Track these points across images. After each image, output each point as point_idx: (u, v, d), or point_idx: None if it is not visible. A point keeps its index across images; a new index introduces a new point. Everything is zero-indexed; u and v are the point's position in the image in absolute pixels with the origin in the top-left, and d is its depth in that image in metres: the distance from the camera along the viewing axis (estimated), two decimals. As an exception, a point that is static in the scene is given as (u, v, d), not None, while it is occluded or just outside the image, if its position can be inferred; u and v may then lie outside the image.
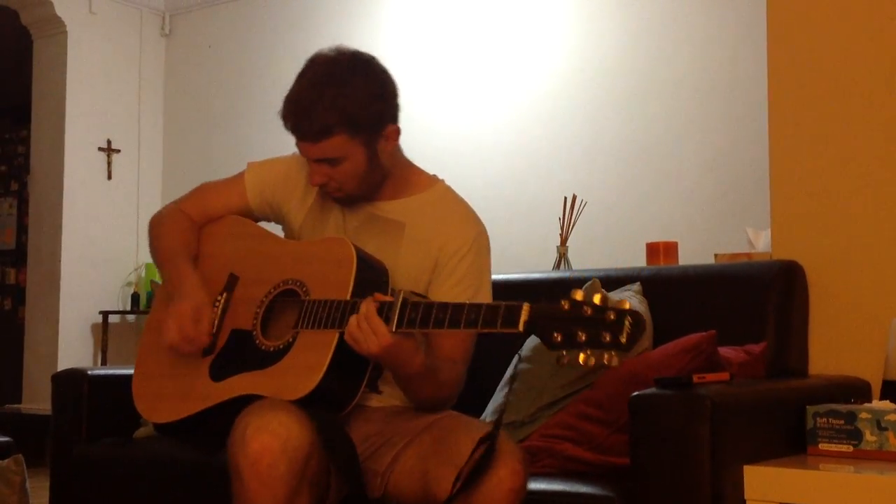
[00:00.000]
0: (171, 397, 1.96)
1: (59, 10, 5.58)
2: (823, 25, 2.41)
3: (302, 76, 1.95)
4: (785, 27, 2.46)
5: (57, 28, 5.64)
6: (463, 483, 1.65)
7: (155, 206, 5.92)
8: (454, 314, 1.66)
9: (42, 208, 5.71)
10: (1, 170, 7.60)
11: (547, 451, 2.04)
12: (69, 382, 2.54)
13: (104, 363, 5.57)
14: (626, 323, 1.52)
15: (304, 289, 1.87)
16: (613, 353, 1.53)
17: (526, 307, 1.60)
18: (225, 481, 1.72)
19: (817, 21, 2.42)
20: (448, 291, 1.91)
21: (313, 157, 1.91)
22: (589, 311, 1.54)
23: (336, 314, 1.77)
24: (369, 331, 1.70)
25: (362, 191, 1.96)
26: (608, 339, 1.52)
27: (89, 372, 2.55)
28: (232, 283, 1.99)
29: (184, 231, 2.09)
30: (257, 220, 2.11)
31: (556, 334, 1.55)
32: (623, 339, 1.52)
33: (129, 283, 5.76)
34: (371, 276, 1.85)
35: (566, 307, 1.56)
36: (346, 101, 1.87)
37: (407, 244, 1.96)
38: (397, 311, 1.69)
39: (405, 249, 1.95)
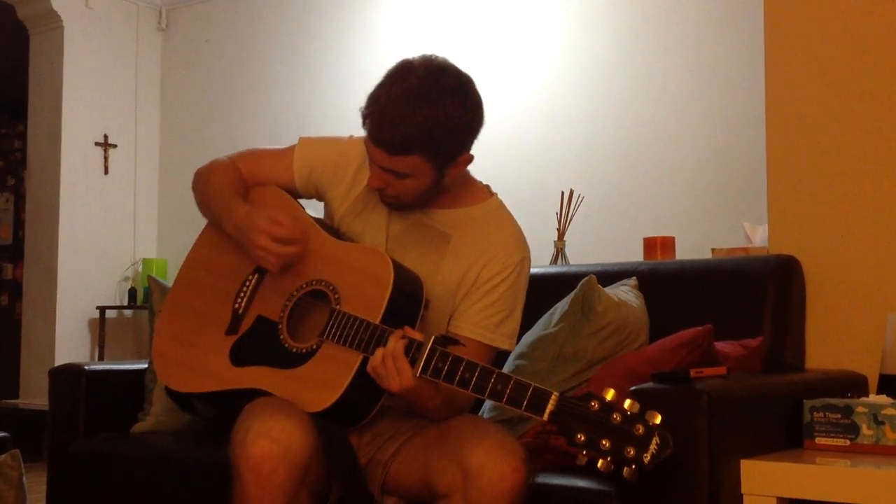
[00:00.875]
0: (188, 367, 1.94)
1: (56, 5, 5.57)
2: (821, 21, 2.41)
3: (396, 81, 1.81)
4: (782, 22, 2.46)
5: (53, 23, 5.62)
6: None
7: (152, 202, 5.95)
8: (481, 379, 1.65)
9: (39, 203, 5.70)
10: (-3, 165, 7.59)
11: (544, 445, 2.04)
12: (66, 378, 2.54)
13: (101, 358, 5.56)
14: (653, 443, 1.52)
15: (337, 295, 1.84)
16: (634, 468, 1.53)
17: (554, 397, 1.59)
18: (221, 477, 1.72)
19: (815, 16, 2.42)
20: (480, 312, 1.89)
21: (382, 166, 1.83)
22: (618, 420, 1.54)
23: (364, 336, 1.75)
24: (393, 370, 1.69)
25: (416, 204, 1.92)
26: (632, 454, 1.52)
27: (86, 367, 2.55)
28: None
29: (236, 180, 2.01)
30: (299, 197, 2.04)
31: (580, 435, 1.56)
32: (646, 460, 1.52)
33: (126, 279, 5.76)
34: (405, 295, 1.82)
35: (595, 407, 1.56)
36: (437, 125, 1.78)
37: (450, 258, 1.92)
38: (424, 357, 1.68)
39: (448, 262, 1.92)
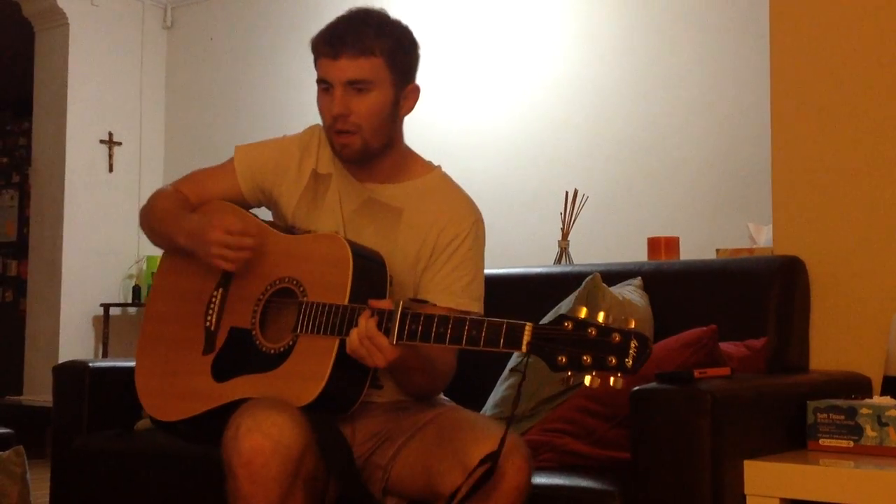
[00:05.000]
0: (175, 396, 1.94)
1: (61, 2, 5.58)
2: (826, 20, 2.40)
3: (341, 17, 1.92)
4: (788, 21, 2.46)
5: (58, 20, 5.63)
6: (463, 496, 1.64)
7: (156, 199, 5.96)
8: (455, 330, 1.65)
9: (43, 200, 5.71)
10: (2, 162, 7.60)
11: (547, 445, 2.04)
12: (70, 374, 2.55)
13: (105, 355, 5.58)
14: (632, 346, 1.52)
15: (301, 289, 1.85)
16: (619, 374, 1.53)
17: (529, 328, 1.59)
18: (223, 473, 1.72)
19: (820, 15, 2.41)
20: (445, 277, 1.91)
21: (345, 77, 1.86)
22: (593, 333, 1.54)
23: (335, 320, 1.75)
24: (373, 347, 1.69)
25: (375, 143, 1.92)
26: (614, 362, 1.52)
27: (90, 364, 2.55)
28: (227, 278, 1.95)
29: (180, 201, 2.03)
30: (249, 206, 2.06)
31: (560, 357, 1.55)
32: (629, 363, 1.52)
33: (130, 276, 5.77)
34: (368, 274, 1.83)
35: (570, 328, 1.56)
36: (393, 31, 1.90)
37: (404, 229, 1.95)
38: (397, 324, 1.68)
39: (403, 234, 1.94)
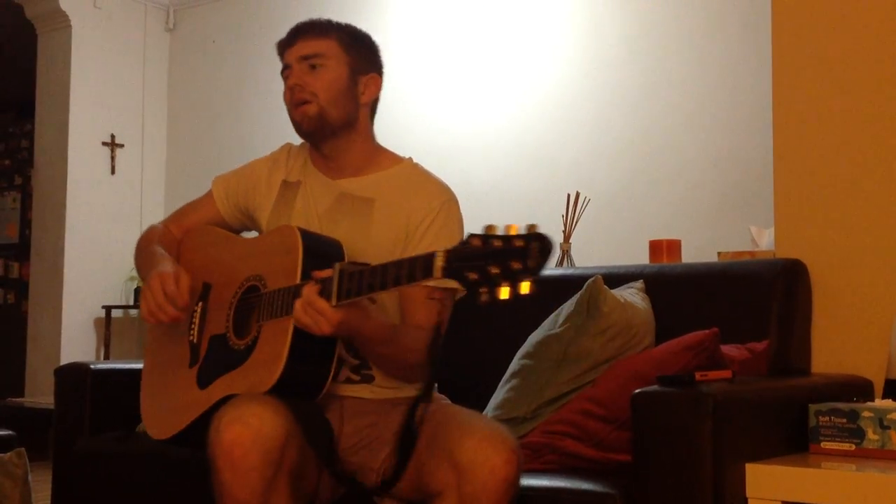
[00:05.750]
0: (168, 412, 2.00)
1: (64, 5, 5.59)
2: (828, 23, 2.40)
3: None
4: (790, 25, 2.46)
5: (61, 22, 5.64)
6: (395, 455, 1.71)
7: (158, 201, 5.96)
8: (383, 275, 1.65)
9: (45, 203, 5.71)
10: (5, 164, 7.61)
11: (549, 447, 2.04)
12: (72, 376, 2.55)
13: (107, 357, 5.58)
14: (534, 247, 1.49)
15: (263, 282, 1.90)
16: (529, 279, 1.49)
17: (441, 253, 1.56)
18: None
19: (823, 19, 2.41)
20: None
21: (300, 53, 2.01)
22: (499, 244, 1.51)
23: (287, 300, 1.78)
24: (315, 313, 1.70)
25: (333, 113, 1.99)
26: (518, 266, 1.48)
27: (92, 366, 2.55)
28: (206, 291, 2.03)
29: (160, 239, 2.13)
30: (231, 229, 2.15)
31: (471, 274, 1.52)
32: (531, 263, 1.48)
33: (132, 278, 5.77)
34: (319, 253, 1.85)
35: (478, 243, 1.53)
36: (348, 25, 2.08)
37: (377, 219, 1.98)
38: (335, 286, 1.69)
39: (376, 224, 1.97)
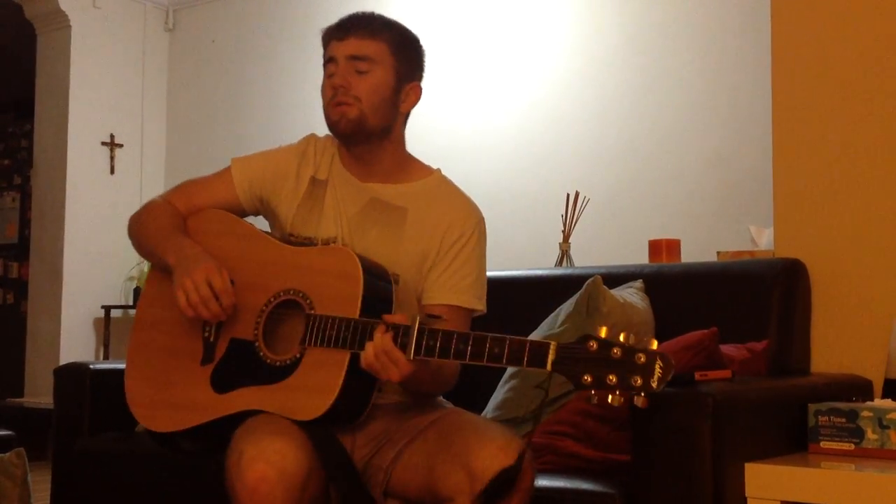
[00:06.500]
0: (170, 406, 1.92)
1: (63, 5, 5.58)
2: (827, 23, 2.40)
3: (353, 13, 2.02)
4: (789, 24, 2.46)
5: (60, 22, 5.64)
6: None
7: (158, 201, 5.96)
8: (476, 347, 1.65)
9: (45, 202, 5.71)
10: (4, 164, 7.60)
11: (548, 447, 2.04)
12: (71, 376, 2.54)
13: (106, 357, 5.58)
14: (657, 367, 1.54)
15: (308, 301, 1.83)
16: (643, 394, 1.54)
17: (553, 347, 1.60)
18: (224, 476, 1.72)
19: (822, 18, 2.41)
20: (450, 277, 1.92)
21: (350, 51, 1.94)
22: (618, 354, 1.55)
23: (346, 334, 1.75)
24: (388, 362, 1.69)
25: (373, 120, 1.94)
26: (639, 382, 1.54)
27: (91, 366, 2.55)
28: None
29: (173, 216, 2.03)
30: (244, 214, 2.06)
31: (585, 376, 1.57)
32: (654, 385, 1.54)
33: (131, 278, 5.77)
34: (377, 288, 1.83)
35: (594, 348, 1.57)
36: (401, 27, 2.01)
37: (410, 229, 1.96)
38: (414, 340, 1.68)
39: (408, 234, 1.95)
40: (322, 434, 1.76)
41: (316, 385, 1.77)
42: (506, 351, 1.63)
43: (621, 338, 1.57)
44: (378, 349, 1.69)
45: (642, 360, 1.54)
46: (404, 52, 1.98)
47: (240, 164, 2.07)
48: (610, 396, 1.55)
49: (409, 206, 1.97)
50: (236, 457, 1.67)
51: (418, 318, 1.70)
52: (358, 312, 1.77)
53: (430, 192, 2.01)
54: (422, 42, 2.05)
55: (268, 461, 1.64)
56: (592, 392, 1.57)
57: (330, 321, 1.77)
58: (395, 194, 1.99)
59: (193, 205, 2.06)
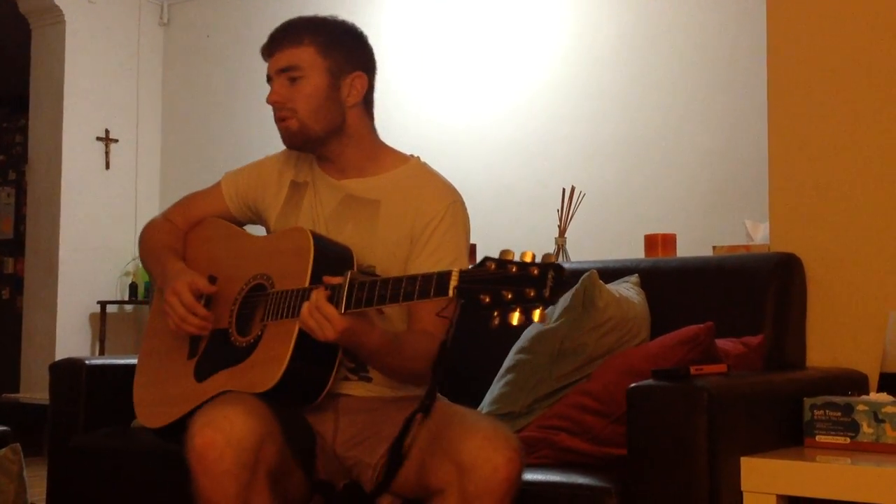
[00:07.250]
0: (162, 402, 2.01)
1: (58, 0, 5.57)
2: (823, 18, 2.40)
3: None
4: (784, 19, 2.46)
5: (55, 17, 5.62)
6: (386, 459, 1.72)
7: (153, 196, 5.95)
8: (394, 288, 1.66)
9: (40, 198, 5.70)
10: (-1, 159, 7.58)
11: (544, 441, 2.05)
12: (67, 372, 2.54)
13: (102, 353, 5.57)
14: (549, 276, 1.50)
15: (270, 282, 1.90)
16: (540, 308, 1.50)
17: (455, 272, 1.58)
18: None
19: (817, 13, 2.41)
20: (426, 260, 1.92)
21: (276, 67, 1.97)
22: (514, 270, 1.52)
23: (294, 303, 1.79)
24: (322, 318, 1.70)
25: (316, 126, 1.96)
26: (532, 294, 1.50)
27: (87, 362, 2.55)
28: (212, 284, 2.02)
29: (167, 233, 2.14)
30: (238, 223, 2.15)
31: (483, 296, 1.53)
32: (546, 293, 1.49)
33: (126, 273, 5.76)
34: (329, 258, 1.86)
35: (492, 267, 1.54)
36: (324, 23, 2.02)
37: (383, 221, 1.97)
38: (345, 294, 1.70)
39: (382, 226, 1.96)
40: (287, 413, 1.78)
41: (270, 357, 1.81)
42: (417, 286, 1.63)
43: (526, 257, 1.53)
44: (311, 306, 1.71)
45: (535, 272, 1.50)
46: (334, 49, 1.98)
47: (229, 177, 2.16)
48: (511, 315, 1.51)
49: (382, 199, 1.99)
50: (190, 428, 1.69)
51: (350, 273, 1.72)
52: (307, 283, 1.80)
53: (403, 180, 2.01)
54: (359, 29, 2.06)
55: (216, 427, 1.66)
56: (495, 314, 1.52)
57: (283, 295, 1.83)
58: (368, 188, 2.01)
59: (191, 217, 2.17)
